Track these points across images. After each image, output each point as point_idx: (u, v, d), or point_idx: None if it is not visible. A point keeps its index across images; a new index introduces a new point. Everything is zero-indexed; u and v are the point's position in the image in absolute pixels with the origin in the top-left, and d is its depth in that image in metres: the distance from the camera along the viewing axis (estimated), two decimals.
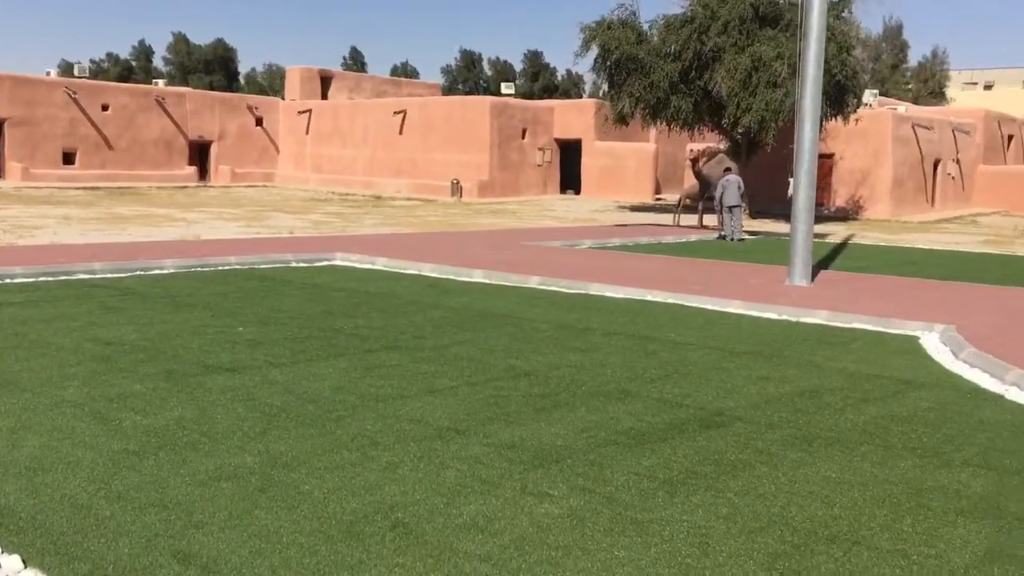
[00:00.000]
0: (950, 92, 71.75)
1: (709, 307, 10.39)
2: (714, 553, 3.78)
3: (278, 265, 13.38)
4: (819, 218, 30.48)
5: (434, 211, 29.68)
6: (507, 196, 37.44)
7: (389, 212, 28.62)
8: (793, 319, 9.78)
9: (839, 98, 27.03)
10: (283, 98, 47.29)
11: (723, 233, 20.51)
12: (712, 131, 30.08)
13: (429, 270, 13.04)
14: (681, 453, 5.09)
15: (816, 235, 22.27)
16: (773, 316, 9.93)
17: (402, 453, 4.99)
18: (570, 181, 40.13)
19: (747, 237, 20.85)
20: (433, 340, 8.16)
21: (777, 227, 25.69)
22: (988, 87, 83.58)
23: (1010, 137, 42.86)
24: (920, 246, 20.62)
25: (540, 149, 39.30)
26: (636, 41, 28.03)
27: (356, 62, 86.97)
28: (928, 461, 5.08)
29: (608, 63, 28.25)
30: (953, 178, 36.74)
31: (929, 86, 69.30)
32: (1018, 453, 5.26)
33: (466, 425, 5.55)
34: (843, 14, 27.48)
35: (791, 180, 12.24)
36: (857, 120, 28.97)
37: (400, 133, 40.01)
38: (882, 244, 20.79)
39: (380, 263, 13.73)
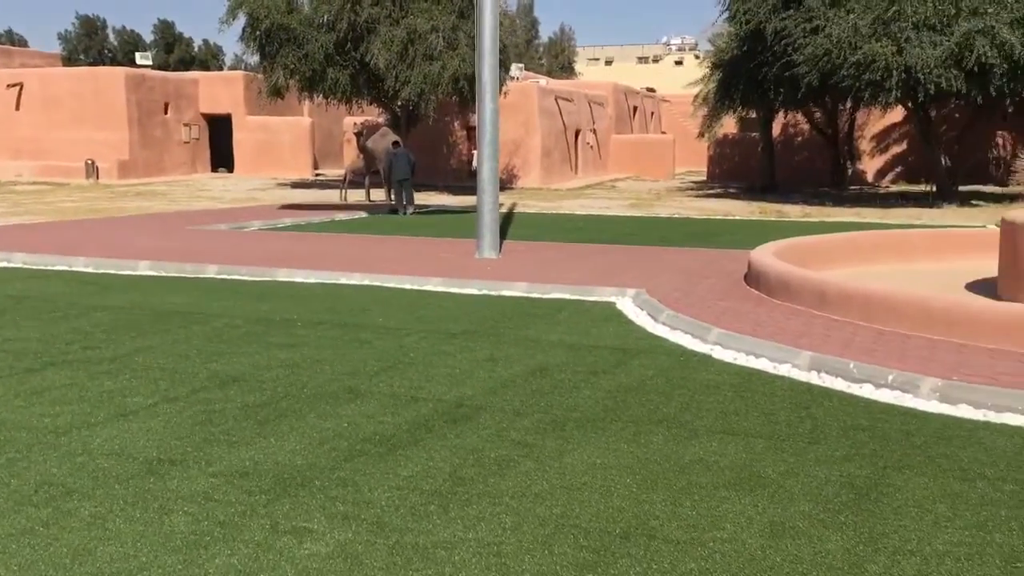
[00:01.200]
0: (578, 67, 77.31)
1: (408, 287, 9.99)
2: (515, 575, 3.38)
3: None
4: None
5: (69, 195, 26.54)
6: (152, 176, 34.54)
7: (13, 199, 25.15)
8: (494, 293, 9.67)
9: None
10: None
11: (395, 208, 20.23)
12: (372, 104, 29.72)
13: (83, 264, 11.39)
14: (438, 456, 4.63)
15: None
16: (474, 292, 9.75)
17: (108, 500, 4.05)
18: (222, 158, 37.93)
19: (418, 211, 20.76)
20: (110, 349, 6.98)
21: (443, 199, 25.95)
22: (609, 63, 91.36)
23: (635, 108, 46.94)
24: (578, 212, 21.77)
25: (186, 125, 36.65)
26: (287, 10, 26.85)
27: None
28: (676, 433, 5.05)
29: (258, 33, 26.77)
30: (591, 147, 39.51)
31: (559, 61, 74.12)
32: (749, 414, 5.41)
33: (180, 453, 4.67)
34: None
35: (475, 153, 12.15)
36: (506, 93, 29.98)
37: (16, 109, 35.37)
38: (545, 212, 21.67)
39: (18, 260, 11.79)
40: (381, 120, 30.49)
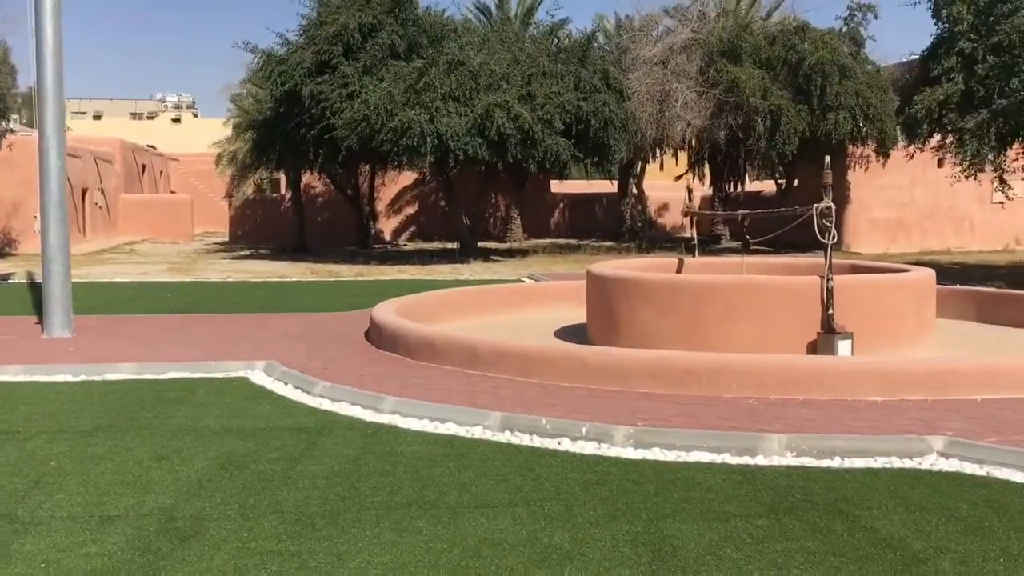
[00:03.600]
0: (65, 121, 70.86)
1: None
2: None
3: None
4: None
5: None
6: None
7: None
8: (98, 378, 8.26)
9: None
10: None
11: None
12: None
13: None
14: None
15: None
16: (70, 378, 8.24)
17: None
18: None
19: None
20: None
21: None
22: (98, 117, 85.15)
23: (144, 167, 44.21)
24: (118, 279, 19.76)
25: None
26: None
27: None
28: (436, 515, 4.70)
29: None
30: (100, 207, 36.30)
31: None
32: (486, 484, 5.22)
33: None
34: None
35: (36, 217, 10.42)
36: (11, 146, 26.58)
37: None
38: (77, 280, 19.20)
39: None
40: None
